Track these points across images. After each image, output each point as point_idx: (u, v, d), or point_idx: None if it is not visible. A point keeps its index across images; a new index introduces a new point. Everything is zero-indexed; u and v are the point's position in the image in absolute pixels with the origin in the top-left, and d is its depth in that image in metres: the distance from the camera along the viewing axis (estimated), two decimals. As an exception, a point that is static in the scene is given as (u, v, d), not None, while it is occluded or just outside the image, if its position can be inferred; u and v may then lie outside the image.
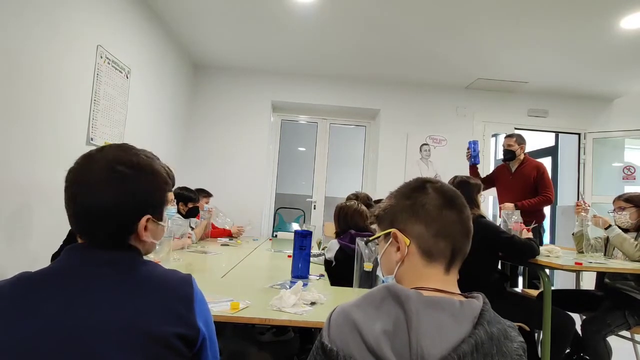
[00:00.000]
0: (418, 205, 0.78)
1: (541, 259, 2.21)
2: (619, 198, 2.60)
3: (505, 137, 3.61)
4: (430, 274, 0.76)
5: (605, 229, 2.51)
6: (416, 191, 0.80)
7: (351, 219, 2.32)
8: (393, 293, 0.69)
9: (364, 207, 2.38)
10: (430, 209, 0.77)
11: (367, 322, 0.67)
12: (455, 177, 2.40)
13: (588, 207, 2.70)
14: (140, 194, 0.79)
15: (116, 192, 0.76)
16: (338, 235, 2.37)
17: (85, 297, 0.71)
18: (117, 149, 0.80)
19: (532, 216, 3.18)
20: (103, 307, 0.70)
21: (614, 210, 2.59)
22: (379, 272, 1.74)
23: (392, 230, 0.79)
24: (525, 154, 3.55)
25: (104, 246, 0.77)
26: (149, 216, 0.80)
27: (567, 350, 2.45)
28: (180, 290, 0.77)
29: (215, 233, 3.49)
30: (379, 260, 0.85)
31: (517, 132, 3.85)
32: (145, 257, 0.83)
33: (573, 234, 2.79)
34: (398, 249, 0.78)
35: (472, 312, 0.68)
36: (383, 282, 1.57)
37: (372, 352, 0.64)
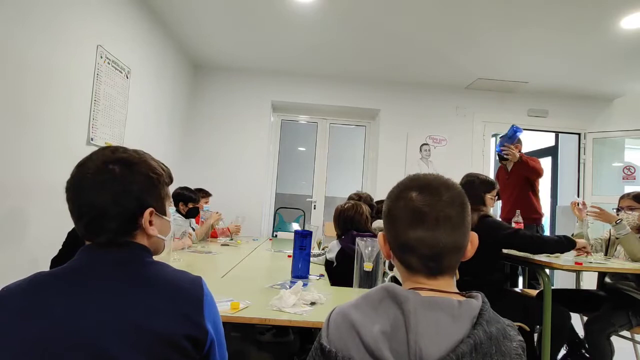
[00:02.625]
0: (392, 215, 0.77)
1: (541, 258, 2.21)
2: (627, 196, 2.50)
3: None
4: (417, 280, 0.75)
5: (615, 224, 2.37)
6: (394, 199, 0.77)
7: (351, 222, 2.31)
8: (391, 294, 0.69)
9: (364, 208, 2.37)
10: (399, 226, 0.75)
11: (365, 323, 0.67)
12: (467, 174, 2.44)
13: (586, 210, 2.66)
14: (136, 188, 0.79)
15: (111, 190, 0.76)
16: (339, 236, 2.37)
17: (95, 297, 0.71)
18: (106, 150, 0.82)
19: (531, 216, 3.18)
20: (112, 308, 0.71)
21: (622, 208, 2.49)
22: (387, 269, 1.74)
23: (380, 233, 0.81)
24: (520, 154, 3.55)
25: (111, 246, 0.78)
26: (152, 209, 0.81)
27: (567, 349, 2.46)
28: (190, 292, 0.77)
29: (216, 233, 3.49)
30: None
31: None
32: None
33: (572, 236, 2.76)
34: None
35: (471, 312, 0.68)
36: (385, 273, 1.56)
37: (371, 353, 0.64)
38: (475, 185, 2.30)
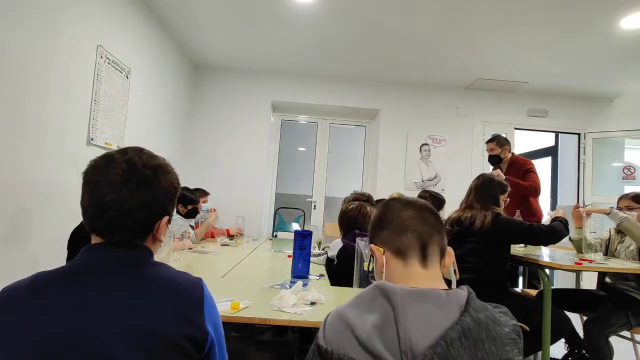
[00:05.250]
0: (382, 217, 0.90)
1: (541, 259, 2.22)
2: (626, 196, 2.52)
3: (487, 142, 3.59)
4: (412, 273, 0.81)
5: (607, 214, 2.41)
6: (382, 209, 0.93)
7: (354, 223, 2.31)
8: (382, 290, 0.73)
9: (369, 210, 2.35)
10: (391, 215, 0.88)
11: (359, 320, 0.70)
12: (482, 175, 2.47)
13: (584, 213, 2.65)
14: (163, 194, 0.82)
15: (145, 194, 0.78)
16: (343, 237, 2.36)
17: (97, 297, 0.72)
18: (138, 151, 0.83)
19: (530, 219, 3.18)
20: (114, 307, 0.71)
21: (621, 209, 2.49)
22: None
23: (370, 246, 0.91)
24: (512, 154, 3.52)
25: (118, 246, 0.78)
26: (168, 217, 0.84)
27: (567, 349, 2.46)
28: (190, 293, 0.78)
29: (215, 233, 3.49)
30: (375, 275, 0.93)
31: (513, 131, 3.85)
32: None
33: (571, 240, 2.72)
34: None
35: (458, 301, 0.71)
36: None
37: (365, 347, 0.67)
38: (492, 186, 2.35)
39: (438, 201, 3.11)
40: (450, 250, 0.87)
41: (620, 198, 2.56)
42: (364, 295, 0.75)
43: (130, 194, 0.77)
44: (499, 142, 3.47)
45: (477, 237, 2.19)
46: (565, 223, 2.30)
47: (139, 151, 0.83)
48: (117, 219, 0.77)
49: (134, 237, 0.80)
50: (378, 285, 0.74)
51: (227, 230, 3.62)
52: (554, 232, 2.21)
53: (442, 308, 0.69)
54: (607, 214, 2.43)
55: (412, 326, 0.67)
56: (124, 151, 0.82)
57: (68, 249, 1.87)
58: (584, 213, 2.62)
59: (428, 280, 0.79)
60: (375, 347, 0.66)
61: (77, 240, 1.82)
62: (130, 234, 0.79)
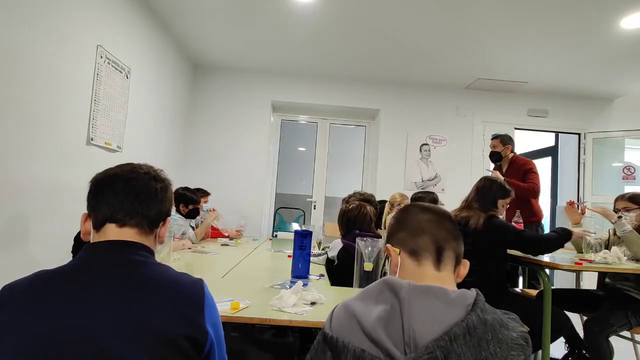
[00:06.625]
0: (401, 220, 0.93)
1: (541, 258, 2.22)
2: (622, 198, 2.51)
3: (491, 139, 3.63)
4: (424, 273, 0.82)
5: (613, 222, 2.39)
6: (401, 212, 0.96)
7: (354, 223, 2.31)
8: (389, 284, 0.75)
9: (369, 209, 2.35)
10: (409, 218, 0.91)
11: (365, 312, 0.72)
12: (485, 177, 2.46)
13: (585, 206, 2.66)
14: (169, 198, 0.92)
15: (163, 198, 0.89)
16: (343, 237, 2.36)
17: (97, 296, 0.72)
18: (152, 168, 0.94)
19: (530, 219, 3.17)
20: (114, 307, 0.71)
21: (618, 210, 2.48)
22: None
23: (386, 245, 0.93)
24: (514, 153, 3.53)
25: (119, 245, 0.79)
26: (169, 217, 0.92)
27: (567, 349, 2.46)
28: (191, 293, 0.78)
29: (215, 234, 3.49)
30: (388, 273, 0.94)
31: (513, 131, 3.86)
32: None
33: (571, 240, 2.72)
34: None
35: (465, 301, 0.71)
36: (385, 273, 1.65)
37: (369, 337, 0.69)
38: (492, 189, 2.34)
39: (431, 197, 3.15)
40: (465, 261, 0.88)
41: (617, 199, 2.55)
42: (371, 289, 0.77)
43: (158, 200, 0.89)
44: (502, 140, 3.54)
45: (473, 238, 2.18)
46: (561, 233, 2.21)
47: (151, 168, 0.95)
48: (144, 201, 0.85)
49: (148, 226, 0.85)
50: (385, 280, 0.76)
51: (227, 233, 3.60)
52: (547, 242, 2.16)
53: (448, 305, 0.70)
54: (613, 222, 2.39)
55: (416, 319, 0.68)
56: (141, 166, 0.92)
57: (72, 252, 1.87)
58: (580, 209, 2.63)
59: (439, 281, 0.80)
60: (379, 337, 0.67)
61: (82, 243, 1.82)
62: (147, 220, 0.85)
